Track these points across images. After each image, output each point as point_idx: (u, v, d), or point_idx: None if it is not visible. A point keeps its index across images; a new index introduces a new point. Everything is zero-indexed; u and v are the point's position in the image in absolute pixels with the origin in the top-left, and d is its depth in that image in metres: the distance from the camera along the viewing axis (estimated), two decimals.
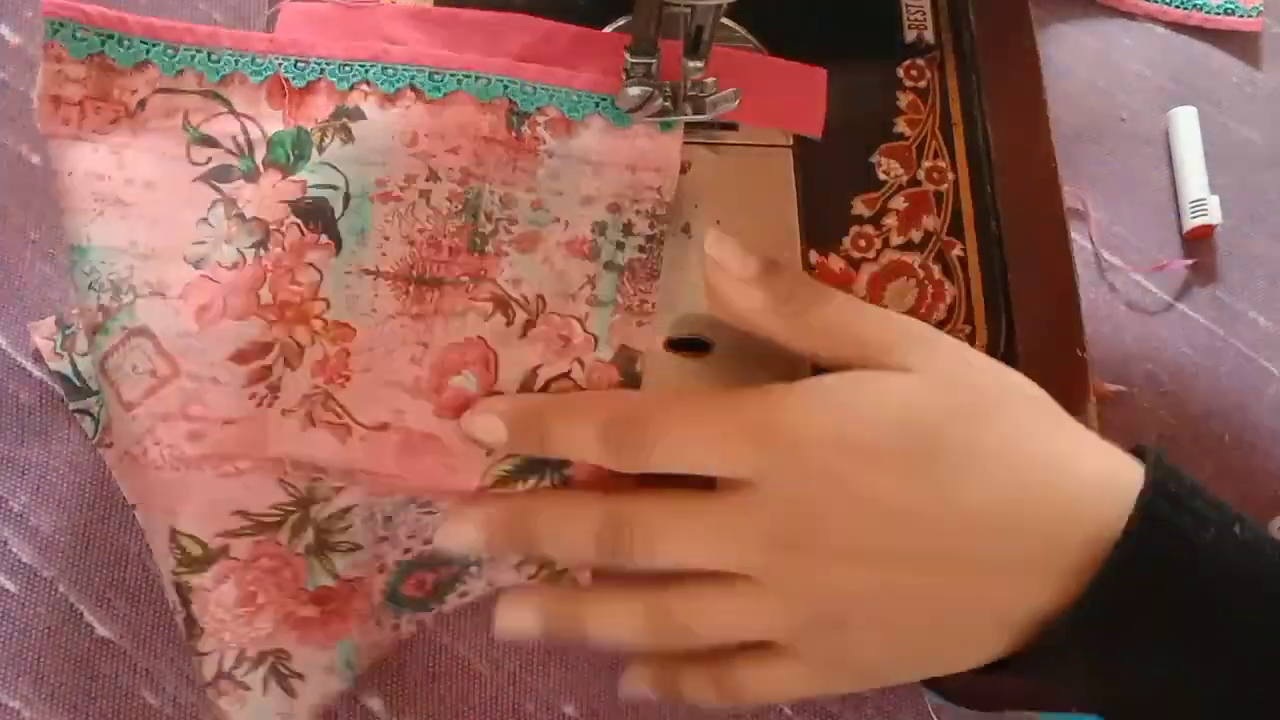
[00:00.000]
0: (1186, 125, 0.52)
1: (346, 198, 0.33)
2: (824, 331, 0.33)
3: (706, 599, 0.32)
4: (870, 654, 0.31)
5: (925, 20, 0.41)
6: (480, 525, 0.34)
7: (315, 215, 0.33)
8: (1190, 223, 0.50)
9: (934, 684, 0.35)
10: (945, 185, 0.39)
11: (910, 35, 0.41)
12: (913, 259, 0.38)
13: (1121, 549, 0.29)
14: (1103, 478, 0.31)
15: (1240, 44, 0.55)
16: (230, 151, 0.34)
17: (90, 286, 0.33)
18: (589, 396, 0.34)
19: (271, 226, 0.33)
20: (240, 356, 0.33)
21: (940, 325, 0.37)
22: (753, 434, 0.32)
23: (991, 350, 0.37)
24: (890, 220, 0.38)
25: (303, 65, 0.34)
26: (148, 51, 0.34)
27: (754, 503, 0.31)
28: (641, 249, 0.35)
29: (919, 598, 0.31)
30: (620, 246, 0.35)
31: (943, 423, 0.31)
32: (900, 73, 0.41)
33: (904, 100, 0.40)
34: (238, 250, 0.33)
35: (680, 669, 0.34)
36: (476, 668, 0.44)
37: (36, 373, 0.46)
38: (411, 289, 0.33)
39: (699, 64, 0.36)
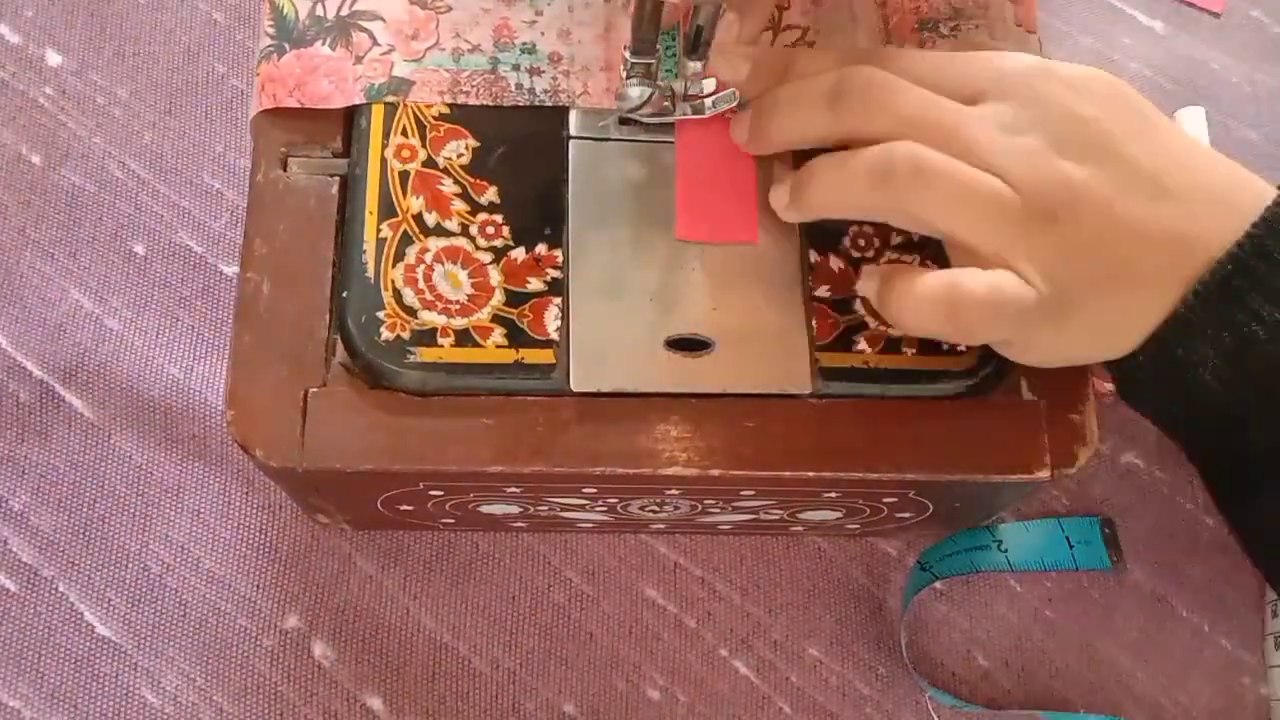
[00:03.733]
0: (1195, 126, 0.52)
1: None
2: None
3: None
4: (1067, 260, 0.32)
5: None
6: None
7: None
8: None
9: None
10: None
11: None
12: (911, 259, 0.38)
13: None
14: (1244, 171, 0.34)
15: (1240, 44, 0.55)
16: None
17: None
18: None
19: None
20: None
21: None
22: (978, 66, 0.35)
23: (990, 351, 0.37)
24: None
25: None
26: None
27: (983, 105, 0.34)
28: None
29: (1115, 213, 0.32)
30: None
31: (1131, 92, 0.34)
32: None
33: None
34: None
35: (894, 268, 0.36)
36: (476, 666, 0.44)
37: (37, 372, 0.46)
38: None
39: (698, 63, 0.36)
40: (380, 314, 0.35)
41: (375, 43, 0.38)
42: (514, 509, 0.40)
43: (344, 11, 0.38)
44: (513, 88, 0.38)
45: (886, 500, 0.39)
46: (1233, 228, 0.32)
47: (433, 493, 0.38)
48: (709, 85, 0.37)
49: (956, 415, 0.36)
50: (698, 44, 0.35)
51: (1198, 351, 0.32)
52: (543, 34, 0.39)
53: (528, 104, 0.38)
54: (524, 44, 0.39)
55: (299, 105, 0.37)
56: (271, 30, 0.38)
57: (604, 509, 0.40)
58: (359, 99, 0.37)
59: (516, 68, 0.38)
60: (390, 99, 0.37)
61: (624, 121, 0.38)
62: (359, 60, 0.38)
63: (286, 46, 0.38)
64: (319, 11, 0.38)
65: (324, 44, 0.38)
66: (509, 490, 0.37)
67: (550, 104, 0.38)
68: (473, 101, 0.38)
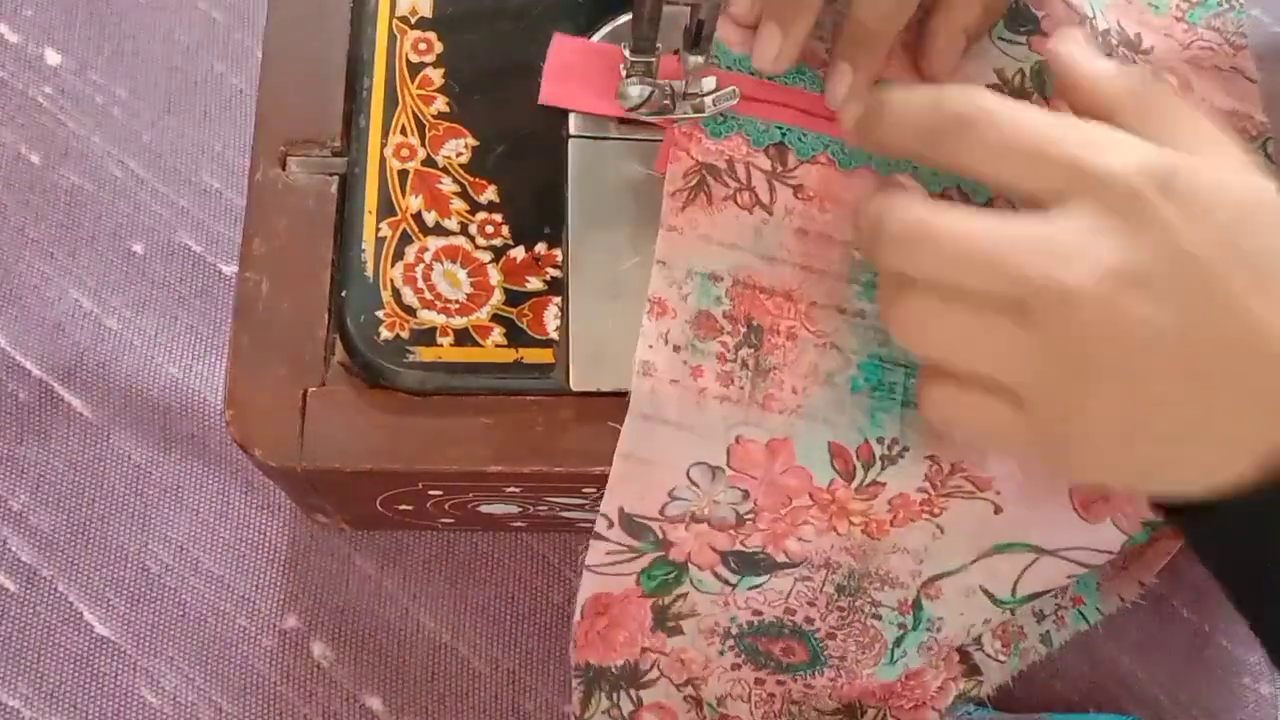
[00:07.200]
0: None
1: None
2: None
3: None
4: (1093, 418, 0.29)
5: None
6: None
7: None
8: None
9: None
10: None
11: None
12: None
13: None
14: None
15: None
16: None
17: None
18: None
19: None
20: None
21: None
22: (1069, 157, 0.29)
23: None
24: None
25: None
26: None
27: (1052, 218, 0.29)
28: None
29: (1164, 379, 0.28)
30: None
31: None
32: None
33: None
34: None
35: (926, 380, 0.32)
36: (476, 667, 0.44)
37: (36, 372, 0.46)
38: None
39: (700, 58, 0.36)
40: (379, 313, 0.35)
41: None
42: (513, 509, 0.40)
43: None
44: None
45: None
46: None
47: (432, 492, 0.37)
48: (709, 84, 0.37)
49: None
50: (699, 39, 0.35)
51: None
52: None
53: None
54: None
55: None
56: None
57: None
58: None
59: None
60: None
61: (623, 121, 0.38)
62: None
63: None
64: None
65: None
66: (508, 490, 0.37)
67: None
68: None
